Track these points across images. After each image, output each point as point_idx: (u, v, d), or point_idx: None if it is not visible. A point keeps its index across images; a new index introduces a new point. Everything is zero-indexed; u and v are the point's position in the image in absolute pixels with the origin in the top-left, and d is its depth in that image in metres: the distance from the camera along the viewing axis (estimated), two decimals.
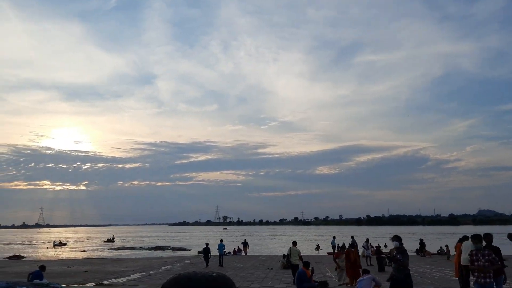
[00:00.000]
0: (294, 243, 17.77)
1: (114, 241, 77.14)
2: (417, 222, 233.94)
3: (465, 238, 13.12)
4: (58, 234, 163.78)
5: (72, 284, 16.65)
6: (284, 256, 24.65)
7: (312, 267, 15.43)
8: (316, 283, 14.12)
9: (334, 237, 34.03)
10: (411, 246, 48.50)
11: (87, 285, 15.95)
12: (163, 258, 36.62)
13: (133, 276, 20.75)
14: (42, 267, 14.99)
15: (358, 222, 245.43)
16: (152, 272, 22.92)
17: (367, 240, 27.56)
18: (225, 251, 29.62)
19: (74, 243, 79.06)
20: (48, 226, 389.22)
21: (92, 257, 41.13)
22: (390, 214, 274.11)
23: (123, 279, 19.38)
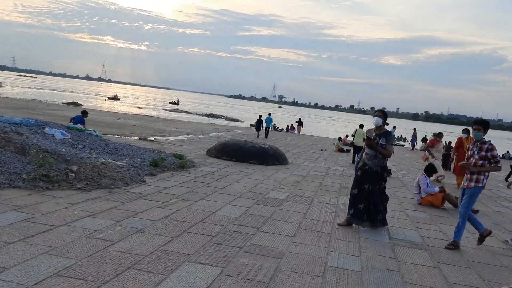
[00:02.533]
0: (361, 126, 17.13)
1: (178, 104, 78.44)
2: None
3: None
4: (119, 89, 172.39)
5: (116, 135, 16.02)
6: (339, 139, 22.97)
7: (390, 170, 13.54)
8: None
9: (394, 127, 31.60)
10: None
11: (131, 138, 15.15)
12: (216, 125, 36.38)
13: (181, 137, 20.04)
14: (84, 113, 14.10)
15: (414, 117, 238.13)
16: (201, 135, 22.19)
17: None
18: (274, 124, 33.47)
19: (132, 99, 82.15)
20: (110, 81, 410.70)
21: (146, 114, 41.99)
22: (449, 113, 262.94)
23: (171, 138, 18.66)
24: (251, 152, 11.33)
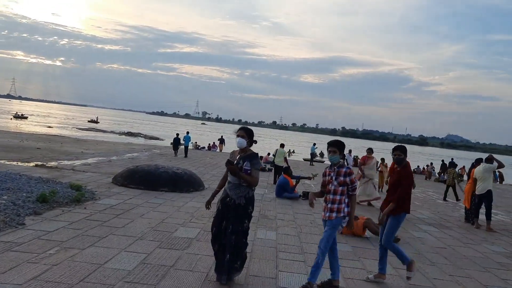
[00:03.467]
0: (282, 145, 16.97)
1: (98, 122, 74.60)
2: (388, 139, 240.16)
3: (479, 161, 10.86)
4: (30, 107, 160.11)
5: (9, 161, 13.99)
6: (260, 157, 22.58)
7: (299, 176, 13.21)
8: (299, 195, 11.93)
9: (314, 144, 32.15)
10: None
11: (27, 164, 13.29)
12: (133, 144, 34.39)
13: (90, 160, 18.27)
14: None
15: (333, 132, 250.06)
16: (114, 157, 20.52)
17: (349, 151, 25.58)
18: (195, 143, 35.27)
19: (43, 118, 76.23)
20: (20, 98, 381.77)
21: (55, 134, 38.73)
22: (364, 129, 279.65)
23: (77, 162, 16.87)
24: (163, 178, 10.25)
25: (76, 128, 57.37)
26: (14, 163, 13.62)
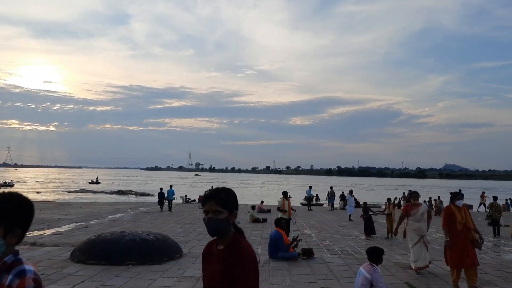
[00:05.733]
0: (285, 193, 13.85)
1: (99, 183, 74.74)
2: (386, 174, 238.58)
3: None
4: (24, 174, 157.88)
5: None
6: (253, 207, 20.76)
7: (298, 236, 11.21)
8: (298, 253, 10.06)
9: (310, 187, 30.35)
10: (378, 198, 45.63)
11: None
12: (120, 203, 32.45)
13: (64, 228, 16.39)
14: None
15: (328, 172, 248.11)
16: (93, 222, 18.65)
17: (351, 192, 23.81)
18: (185, 196, 36.10)
19: (31, 184, 74.05)
20: (16, 165, 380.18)
21: (41, 200, 36.71)
22: (360, 166, 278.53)
23: (48, 232, 15.00)
24: (129, 248, 8.42)
25: (66, 192, 55.37)
26: None
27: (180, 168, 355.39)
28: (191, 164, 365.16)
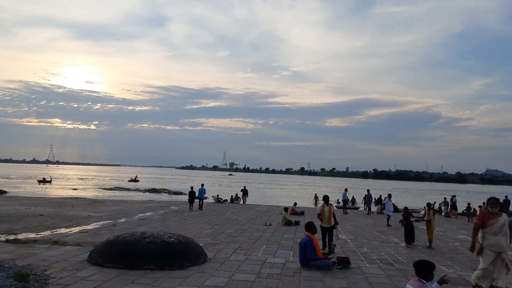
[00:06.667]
0: (326, 198, 12.22)
1: (138, 181, 76.78)
2: (424, 178, 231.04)
3: None
4: (65, 171, 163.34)
5: None
6: (285, 209, 19.85)
7: (333, 245, 10.25)
8: (333, 262, 9.08)
9: (345, 190, 29.12)
10: (417, 203, 43.53)
11: (2, 238, 11.14)
12: (152, 202, 32.39)
13: (92, 226, 16.11)
14: None
15: (364, 175, 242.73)
16: (122, 220, 18.35)
17: (389, 196, 22.45)
18: (217, 196, 34.40)
19: (69, 181, 76.04)
20: (57, 162, 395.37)
21: (75, 196, 37.28)
22: (397, 169, 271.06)
23: (74, 229, 14.70)
24: (148, 251, 7.75)
25: (101, 189, 56.42)
26: None
27: (215, 168, 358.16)
28: (225, 164, 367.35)
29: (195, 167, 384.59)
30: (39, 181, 61.39)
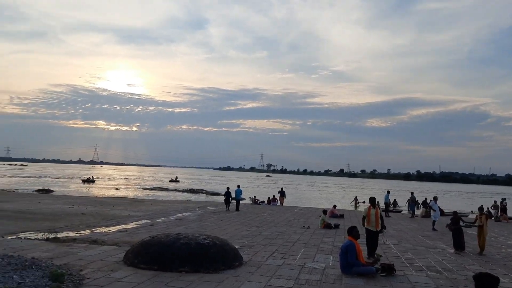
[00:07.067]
0: (372, 200, 11.38)
1: (178, 181, 78.39)
2: (471, 180, 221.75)
3: None
4: (108, 171, 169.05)
5: (36, 233, 12.24)
6: (324, 211, 19.29)
7: (378, 255, 9.65)
8: (376, 269, 8.54)
9: (388, 192, 28.10)
10: (465, 206, 41.41)
11: (42, 236, 11.35)
12: (190, 202, 32.62)
13: (131, 225, 16.27)
14: None
15: (406, 177, 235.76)
16: (160, 220, 18.46)
17: (435, 198, 21.37)
18: (254, 197, 33.73)
19: (111, 181, 78.31)
20: (102, 163, 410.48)
21: (116, 196, 38.20)
22: (441, 171, 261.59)
23: (113, 228, 14.87)
24: (183, 253, 7.54)
25: (142, 188, 57.67)
26: (22, 237, 11.78)
27: (252, 169, 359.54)
28: (263, 165, 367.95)
29: (232, 168, 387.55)
30: (83, 181, 63.54)
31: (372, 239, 10.92)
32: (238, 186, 26.65)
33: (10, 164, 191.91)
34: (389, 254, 11.67)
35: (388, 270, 8.56)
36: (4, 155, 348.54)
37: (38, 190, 39.96)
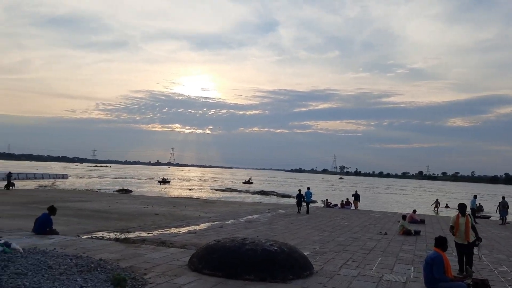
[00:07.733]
0: (462, 206, 9.54)
1: (252, 183, 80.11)
2: None
3: None
4: (184, 172, 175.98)
5: (109, 232, 12.54)
6: (403, 217, 17.86)
7: (470, 270, 8.38)
8: (467, 284, 7.35)
9: (475, 197, 25.63)
10: None
11: (114, 236, 11.52)
12: (261, 204, 32.38)
13: (200, 226, 16.22)
14: (51, 209, 10.84)
15: (493, 180, 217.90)
16: (229, 222, 18.28)
17: None
18: (326, 200, 33.22)
19: (187, 182, 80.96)
20: (178, 165, 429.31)
21: (189, 196, 39.10)
22: None
23: (183, 229, 14.90)
24: (248, 260, 7.04)
25: (214, 190, 58.79)
26: (95, 236, 12.03)
27: (324, 171, 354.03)
28: (336, 167, 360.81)
29: (304, 170, 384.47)
30: (159, 182, 66.26)
31: (461, 254, 9.29)
32: (308, 189, 25.92)
33: (96, 166, 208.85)
34: (479, 266, 10.30)
35: (482, 286, 7.38)
36: (91, 157, 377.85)
37: (118, 190, 42.14)
